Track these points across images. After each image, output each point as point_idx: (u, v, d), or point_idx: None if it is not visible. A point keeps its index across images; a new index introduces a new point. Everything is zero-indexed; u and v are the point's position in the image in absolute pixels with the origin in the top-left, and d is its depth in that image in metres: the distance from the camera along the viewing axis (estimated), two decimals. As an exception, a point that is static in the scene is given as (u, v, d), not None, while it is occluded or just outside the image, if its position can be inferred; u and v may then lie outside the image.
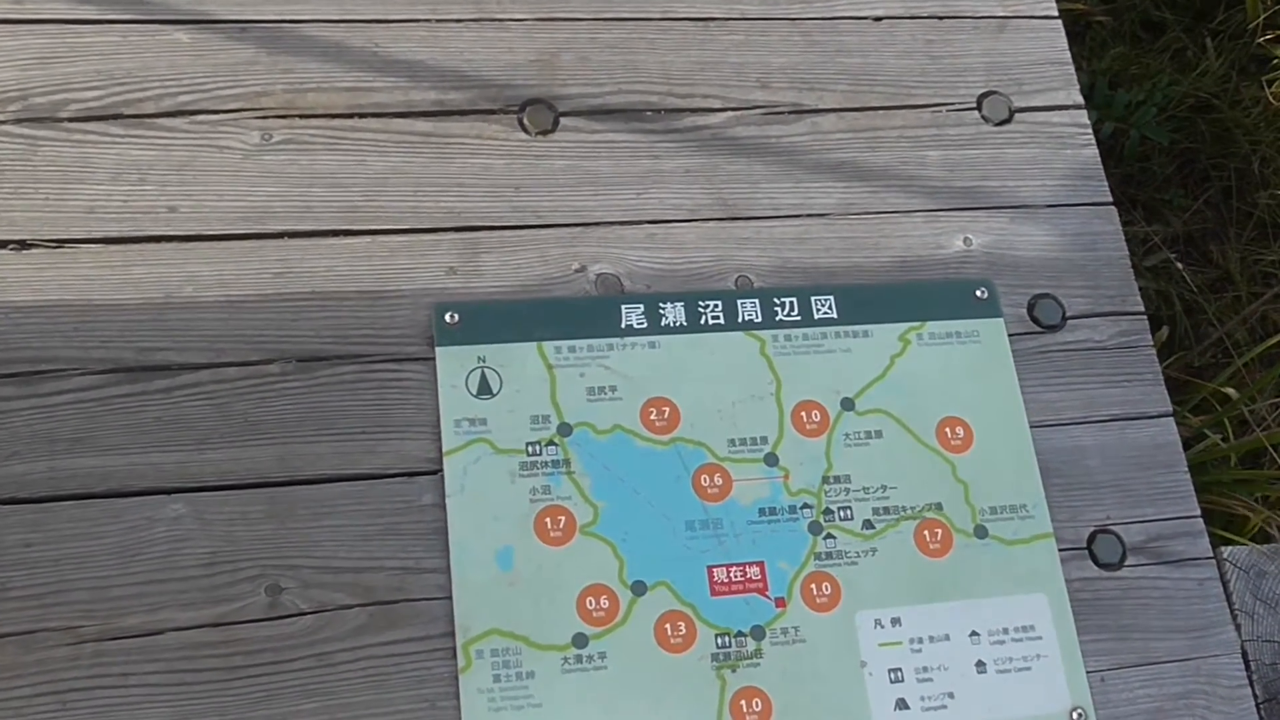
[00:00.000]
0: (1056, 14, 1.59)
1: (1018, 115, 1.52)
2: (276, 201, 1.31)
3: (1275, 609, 1.34)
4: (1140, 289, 1.46)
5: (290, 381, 1.24)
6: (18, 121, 1.30)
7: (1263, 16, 2.36)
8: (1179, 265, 2.17)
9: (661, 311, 1.33)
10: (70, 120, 1.31)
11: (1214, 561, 1.34)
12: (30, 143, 1.29)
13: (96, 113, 1.32)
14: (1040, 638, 1.27)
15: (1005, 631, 1.26)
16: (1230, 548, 1.37)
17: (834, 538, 1.27)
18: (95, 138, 1.31)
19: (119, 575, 1.14)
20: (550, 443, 1.25)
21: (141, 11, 1.37)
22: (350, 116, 1.37)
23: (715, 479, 1.27)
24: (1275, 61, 2.37)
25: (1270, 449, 1.81)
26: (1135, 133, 2.27)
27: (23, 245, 1.25)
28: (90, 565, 1.14)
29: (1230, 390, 1.92)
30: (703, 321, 1.33)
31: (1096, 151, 1.52)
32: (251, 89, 1.36)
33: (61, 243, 1.25)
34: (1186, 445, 1.40)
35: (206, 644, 1.13)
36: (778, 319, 1.35)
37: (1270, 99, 2.35)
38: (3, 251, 1.24)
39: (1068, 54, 1.57)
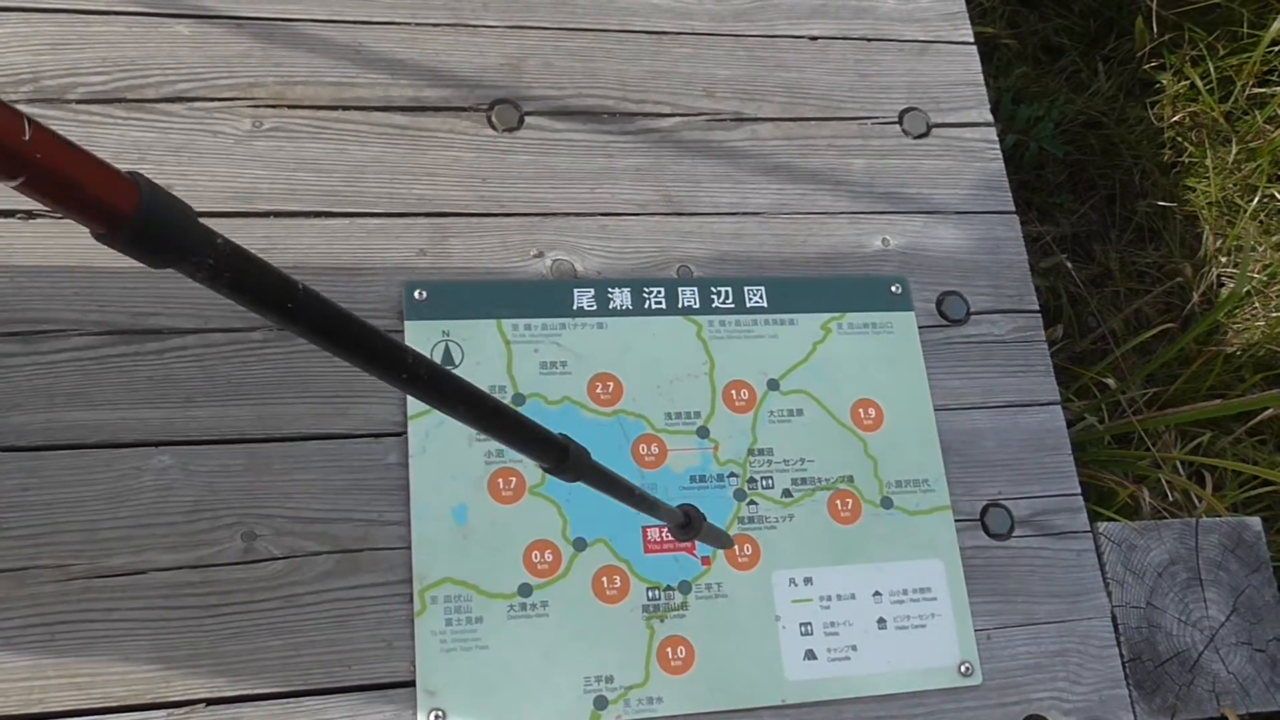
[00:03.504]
0: (972, 41, 1.56)
1: (934, 130, 1.49)
2: (264, 184, 1.27)
3: (1143, 578, 1.32)
4: (1035, 286, 1.44)
5: (271, 348, 1.20)
6: (29, 102, 1.24)
7: (1149, 45, 2.34)
8: (1068, 264, 2.15)
9: (610, 296, 1.29)
10: (77, 102, 1.26)
11: (1091, 535, 1.32)
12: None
13: (102, 96, 1.27)
14: (935, 599, 1.25)
15: (905, 592, 1.24)
16: (1105, 523, 1.34)
17: (756, 504, 1.24)
18: (100, 119, 1.26)
19: (108, 519, 1.11)
20: (505, 411, 1.21)
21: (146, 4, 1.31)
22: (334, 109, 1.32)
23: (652, 448, 1.24)
24: (1158, 85, 2.35)
25: (1141, 432, 1.79)
26: (1034, 144, 2.24)
27: (30, 215, 1.20)
28: (81, 509, 1.11)
29: (1109, 381, 1.90)
30: (646, 306, 1.30)
31: (1003, 165, 1.49)
32: (245, 80, 1.31)
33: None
34: (1068, 425, 1.38)
35: (186, 584, 1.10)
36: (714, 306, 1.32)
37: (1152, 119, 2.34)
38: (11, 220, 1.19)
39: (981, 77, 1.54)
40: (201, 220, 0.48)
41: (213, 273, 0.49)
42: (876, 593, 1.24)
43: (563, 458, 0.78)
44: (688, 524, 1.02)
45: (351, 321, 0.57)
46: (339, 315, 0.56)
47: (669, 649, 1.17)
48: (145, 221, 0.45)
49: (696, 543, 1.20)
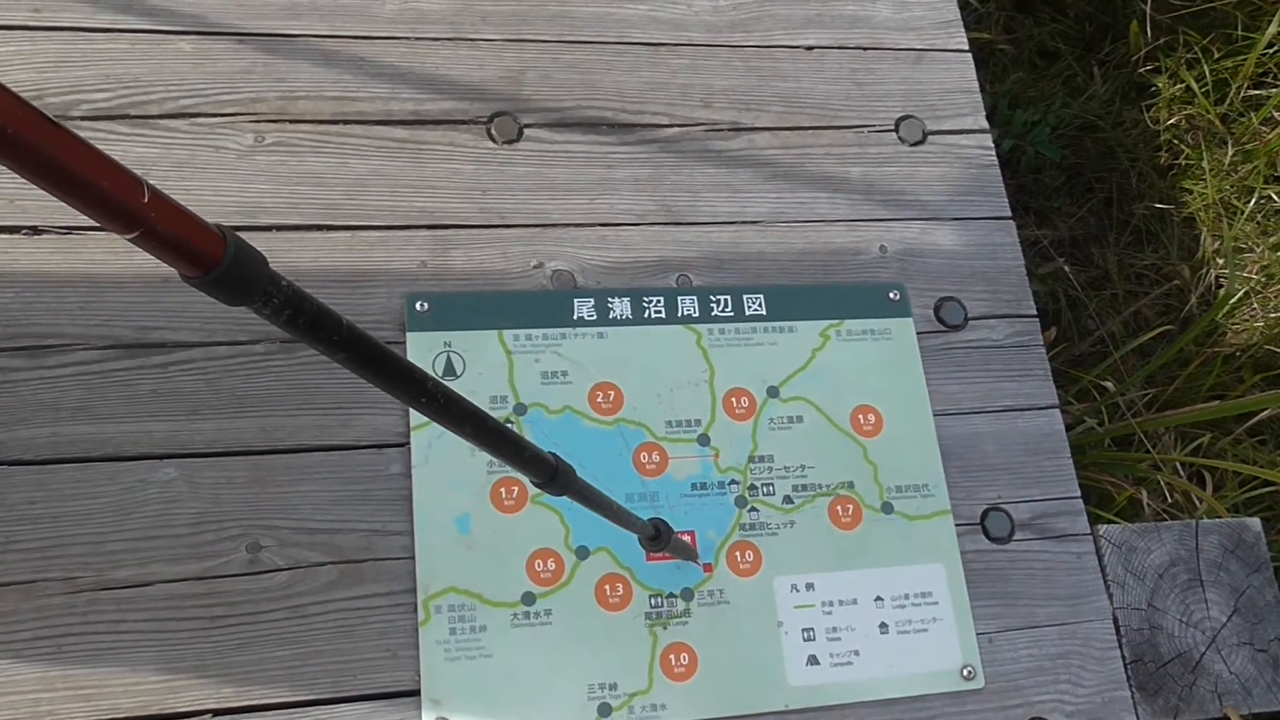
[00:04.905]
0: (967, 48, 1.56)
1: (930, 137, 1.49)
2: (267, 198, 1.27)
3: (1143, 580, 1.31)
4: (1033, 291, 1.44)
5: (274, 360, 1.20)
6: (33, 118, 1.24)
7: (1144, 49, 2.34)
8: (1066, 268, 2.15)
9: (610, 305, 1.29)
10: (81, 119, 1.26)
11: (1091, 537, 1.32)
12: (44, 138, 1.23)
13: (105, 113, 1.27)
14: (937, 603, 1.24)
15: (906, 597, 1.24)
16: (1105, 525, 1.34)
17: (757, 510, 1.24)
18: (104, 136, 1.26)
19: (114, 531, 1.11)
20: (507, 420, 1.22)
21: (148, 21, 1.32)
22: (335, 123, 1.32)
23: (653, 456, 1.24)
24: (1154, 89, 2.35)
25: (1140, 434, 1.79)
26: (1031, 149, 2.24)
27: (35, 231, 1.20)
28: (88, 522, 1.11)
29: (1108, 383, 1.90)
30: (646, 315, 1.30)
31: (999, 171, 1.49)
32: (247, 95, 1.31)
33: (70, 229, 1.21)
34: (1067, 429, 1.38)
35: (191, 595, 1.10)
36: (713, 314, 1.31)
37: (1149, 122, 2.34)
38: (16, 236, 1.20)
39: (976, 84, 1.54)
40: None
41: (277, 310, 0.54)
42: (878, 597, 1.23)
43: (551, 474, 0.85)
44: (657, 536, 1.12)
45: (384, 352, 0.63)
46: (373, 346, 0.62)
47: (672, 656, 1.16)
48: (230, 266, 0.51)
49: (698, 549, 1.21)
